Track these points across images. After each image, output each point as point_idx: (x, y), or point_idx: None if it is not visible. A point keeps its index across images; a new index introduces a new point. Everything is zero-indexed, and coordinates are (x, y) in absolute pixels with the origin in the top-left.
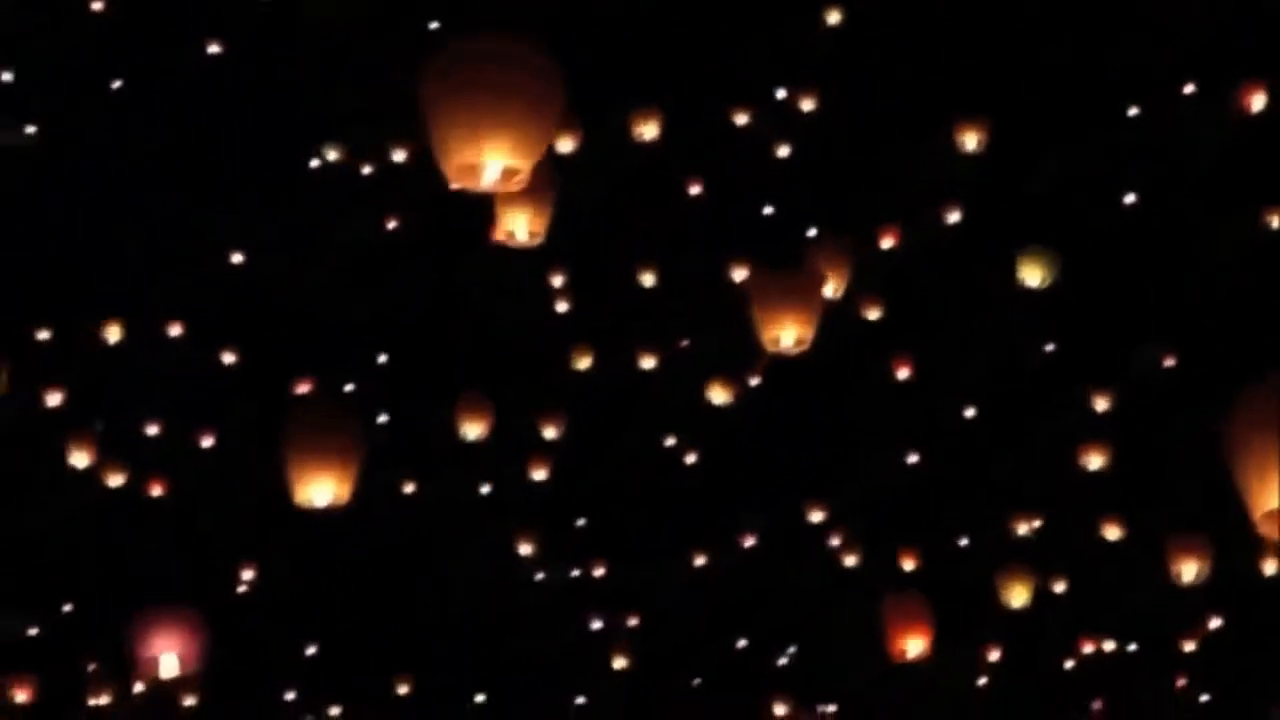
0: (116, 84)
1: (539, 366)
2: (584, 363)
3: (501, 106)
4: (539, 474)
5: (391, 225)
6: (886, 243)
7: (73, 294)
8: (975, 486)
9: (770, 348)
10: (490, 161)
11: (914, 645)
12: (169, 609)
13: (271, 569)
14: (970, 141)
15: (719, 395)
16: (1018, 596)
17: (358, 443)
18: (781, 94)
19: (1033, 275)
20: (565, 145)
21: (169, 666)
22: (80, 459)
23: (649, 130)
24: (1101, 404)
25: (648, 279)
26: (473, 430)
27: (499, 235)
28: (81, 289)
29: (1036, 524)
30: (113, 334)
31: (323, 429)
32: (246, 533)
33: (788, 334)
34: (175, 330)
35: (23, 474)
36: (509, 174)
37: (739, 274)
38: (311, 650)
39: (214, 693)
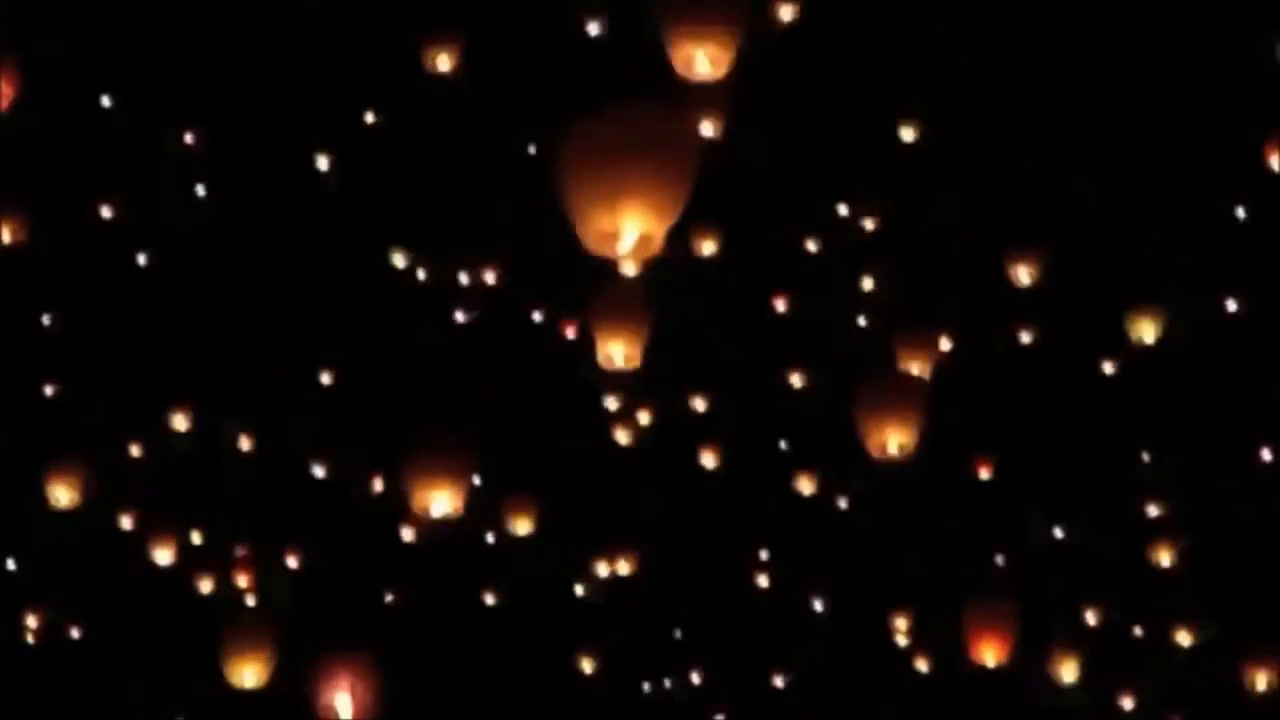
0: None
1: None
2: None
3: (639, 173)
4: None
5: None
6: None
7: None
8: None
9: (876, 454)
10: (628, 228)
11: (991, 653)
12: (345, 655)
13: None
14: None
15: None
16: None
17: (472, 458)
18: (844, 212)
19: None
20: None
21: (344, 709)
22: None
23: (707, 246)
24: None
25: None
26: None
27: (599, 359)
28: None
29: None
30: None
31: (441, 443)
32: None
33: (892, 441)
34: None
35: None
36: (644, 241)
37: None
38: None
39: None
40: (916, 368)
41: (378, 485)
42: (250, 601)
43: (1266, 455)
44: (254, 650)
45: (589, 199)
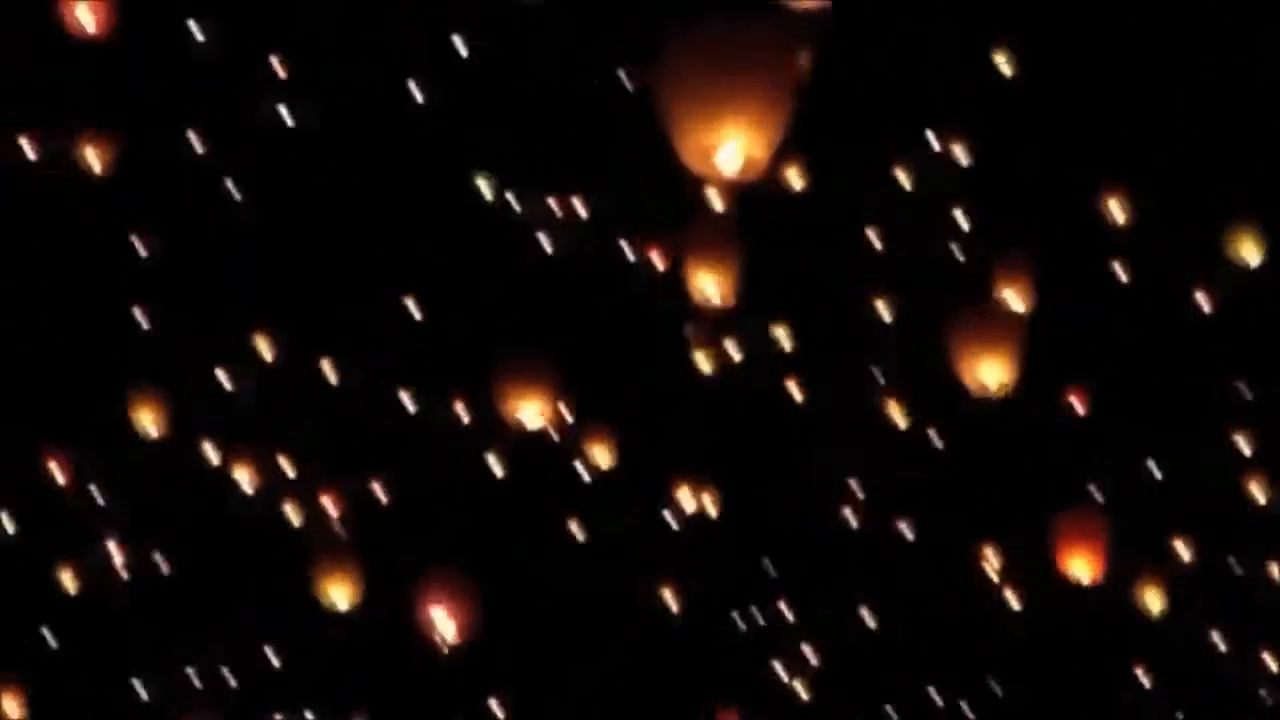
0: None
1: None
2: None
3: (743, 87)
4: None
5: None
6: None
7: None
8: None
9: (972, 389)
10: (730, 145)
11: (1083, 568)
12: (449, 575)
13: None
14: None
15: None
16: None
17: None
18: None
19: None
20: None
21: (445, 627)
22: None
23: (797, 180)
24: None
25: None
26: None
27: (690, 292)
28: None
29: None
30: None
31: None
32: None
33: (988, 376)
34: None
35: None
36: (749, 161)
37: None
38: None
39: None
40: (1012, 301)
41: (463, 413)
42: (338, 529)
43: None
44: (343, 573)
45: (690, 116)
